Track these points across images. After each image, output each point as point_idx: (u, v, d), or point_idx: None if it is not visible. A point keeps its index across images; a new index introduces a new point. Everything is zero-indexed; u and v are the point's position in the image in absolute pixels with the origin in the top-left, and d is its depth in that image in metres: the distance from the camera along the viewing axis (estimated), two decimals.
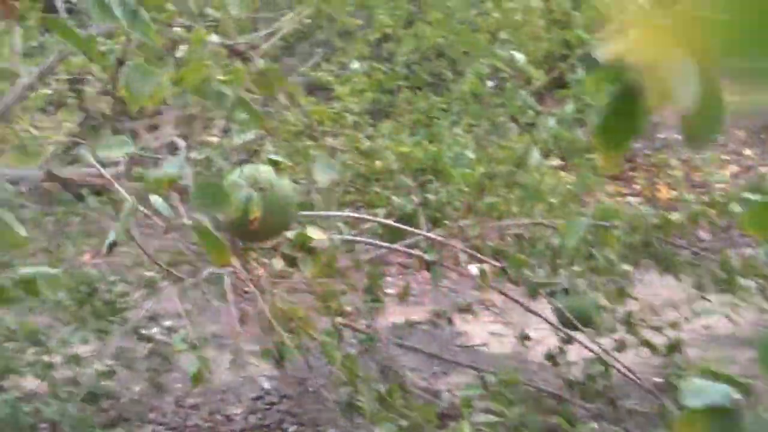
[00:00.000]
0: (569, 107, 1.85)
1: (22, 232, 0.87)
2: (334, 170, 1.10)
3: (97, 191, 2.94)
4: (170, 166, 0.83)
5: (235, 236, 1.36)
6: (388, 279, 5.42)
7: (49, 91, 2.21)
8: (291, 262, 1.36)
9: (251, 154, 1.64)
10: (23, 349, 2.27)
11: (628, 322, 1.76)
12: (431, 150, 1.69)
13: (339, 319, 1.46)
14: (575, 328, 1.66)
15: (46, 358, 2.30)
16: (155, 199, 0.80)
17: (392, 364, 2.03)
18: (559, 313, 1.66)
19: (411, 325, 2.26)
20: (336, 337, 1.39)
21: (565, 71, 1.99)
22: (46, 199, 2.76)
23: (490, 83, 1.91)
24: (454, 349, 3.82)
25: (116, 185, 0.84)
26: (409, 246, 1.92)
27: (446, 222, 1.82)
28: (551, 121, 1.78)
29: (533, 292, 1.63)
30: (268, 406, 3.56)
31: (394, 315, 3.67)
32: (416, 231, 1.74)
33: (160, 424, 3.32)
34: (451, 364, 3.80)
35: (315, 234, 1.35)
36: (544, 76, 1.82)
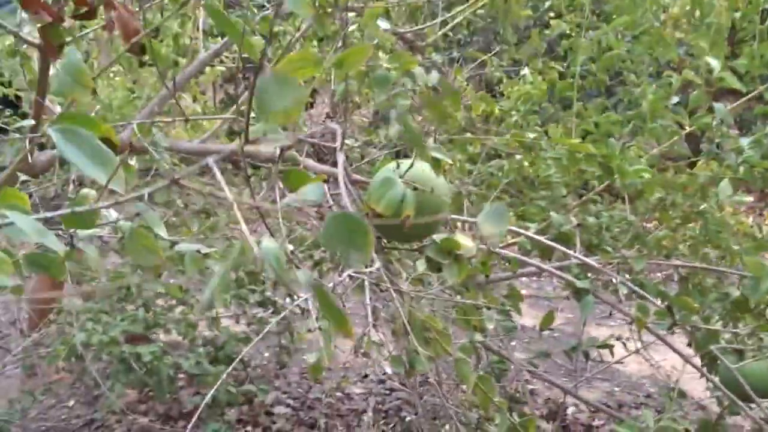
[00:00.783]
0: None
1: (163, 232, 0.82)
2: (505, 225, 0.93)
3: (254, 165, 3.01)
4: (311, 191, 0.70)
5: (381, 233, 1.28)
6: (522, 279, 5.23)
7: (223, 68, 2.26)
8: (435, 267, 1.27)
9: (408, 146, 1.56)
10: (171, 308, 2.38)
11: None
12: (608, 158, 1.47)
13: (478, 337, 1.35)
14: (745, 397, 1.41)
15: (190, 317, 2.40)
16: (266, 249, 0.66)
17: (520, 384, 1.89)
18: (726, 374, 1.42)
19: (547, 355, 2.10)
20: (472, 353, 1.28)
21: (764, 92, 1.72)
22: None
23: (675, 99, 1.68)
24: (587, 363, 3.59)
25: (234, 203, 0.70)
26: (560, 269, 1.76)
27: (606, 248, 1.64)
28: (744, 141, 1.52)
29: (702, 346, 1.40)
30: (388, 392, 3.54)
31: (525, 317, 3.50)
32: (571, 253, 1.58)
33: (284, 392, 3.40)
34: (582, 380, 3.57)
35: (464, 240, 1.24)
36: (744, 86, 1.55)
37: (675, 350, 1.44)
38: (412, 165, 1.14)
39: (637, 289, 1.44)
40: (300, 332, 1.52)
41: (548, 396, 3.45)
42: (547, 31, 2.19)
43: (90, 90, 0.68)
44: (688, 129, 1.61)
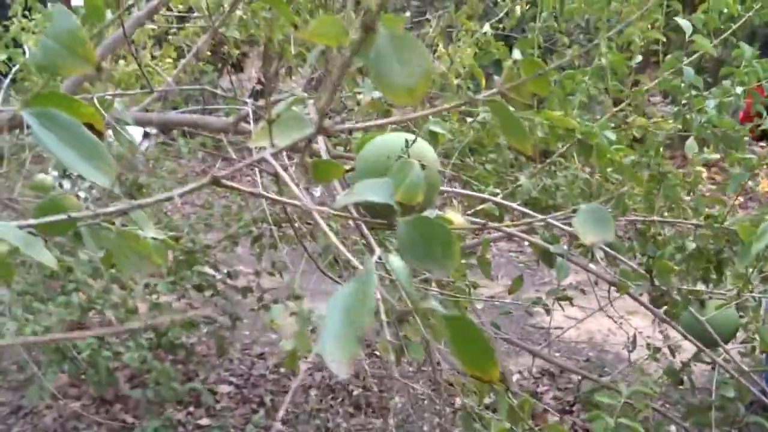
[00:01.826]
0: (734, 87, 1.56)
1: (153, 232, 0.72)
2: (610, 230, 0.74)
3: (186, 133, 2.82)
4: (377, 189, 0.56)
5: (369, 214, 1.18)
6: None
7: (155, 27, 2.08)
8: None
9: (378, 114, 1.47)
10: (108, 289, 2.21)
11: None
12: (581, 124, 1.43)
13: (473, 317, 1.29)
14: (707, 344, 1.45)
15: (130, 302, 2.24)
16: (398, 268, 0.53)
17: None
18: (688, 323, 1.44)
19: (507, 313, 2.09)
20: None
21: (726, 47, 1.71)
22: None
23: (638, 57, 1.67)
24: (528, 330, 3.66)
25: (290, 181, 0.57)
26: (525, 232, 1.74)
27: (561, 207, 1.62)
28: (711, 104, 1.54)
29: (681, 307, 1.40)
30: None
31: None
32: (540, 216, 1.54)
33: (227, 371, 3.28)
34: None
35: (455, 218, 1.18)
36: (713, 50, 1.54)
37: (649, 308, 1.45)
38: (415, 140, 1.05)
39: (611, 251, 1.43)
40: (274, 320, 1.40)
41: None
42: None
43: (92, 64, 0.51)
44: (650, 85, 1.60)
